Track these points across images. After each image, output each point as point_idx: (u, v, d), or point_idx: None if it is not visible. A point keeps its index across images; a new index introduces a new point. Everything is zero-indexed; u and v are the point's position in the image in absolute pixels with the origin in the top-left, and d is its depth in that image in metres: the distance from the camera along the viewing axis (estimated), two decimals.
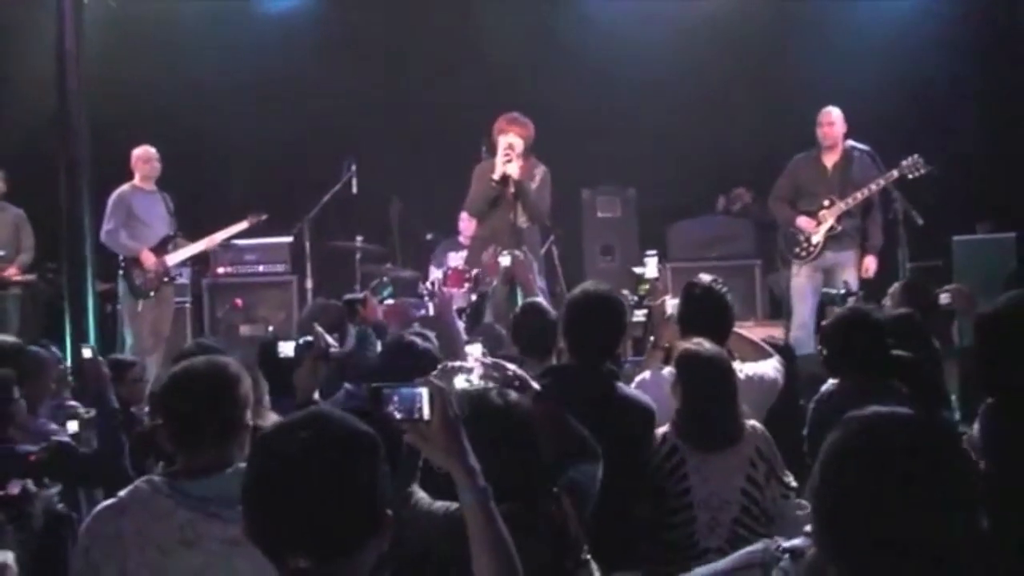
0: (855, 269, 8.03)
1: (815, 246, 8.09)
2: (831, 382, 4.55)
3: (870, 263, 8.06)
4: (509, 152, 7.45)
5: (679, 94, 10.06)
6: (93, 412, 4.86)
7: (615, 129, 10.16)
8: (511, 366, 3.53)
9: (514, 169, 7.46)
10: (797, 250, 8.18)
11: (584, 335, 4.11)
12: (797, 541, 2.13)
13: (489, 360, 3.57)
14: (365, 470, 1.92)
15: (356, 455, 1.92)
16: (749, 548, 2.24)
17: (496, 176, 7.46)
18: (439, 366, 3.64)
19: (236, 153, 10.48)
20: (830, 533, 1.86)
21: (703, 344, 4.06)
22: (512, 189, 7.50)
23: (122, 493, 2.71)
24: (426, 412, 2.12)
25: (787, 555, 2.09)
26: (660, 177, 9.81)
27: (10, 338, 5.57)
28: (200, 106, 10.41)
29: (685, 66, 10.13)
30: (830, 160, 8.18)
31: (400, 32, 10.70)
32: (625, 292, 5.60)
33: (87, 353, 4.75)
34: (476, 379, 3.46)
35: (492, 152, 7.80)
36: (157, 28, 10.46)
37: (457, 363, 3.60)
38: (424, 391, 2.13)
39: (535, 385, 3.52)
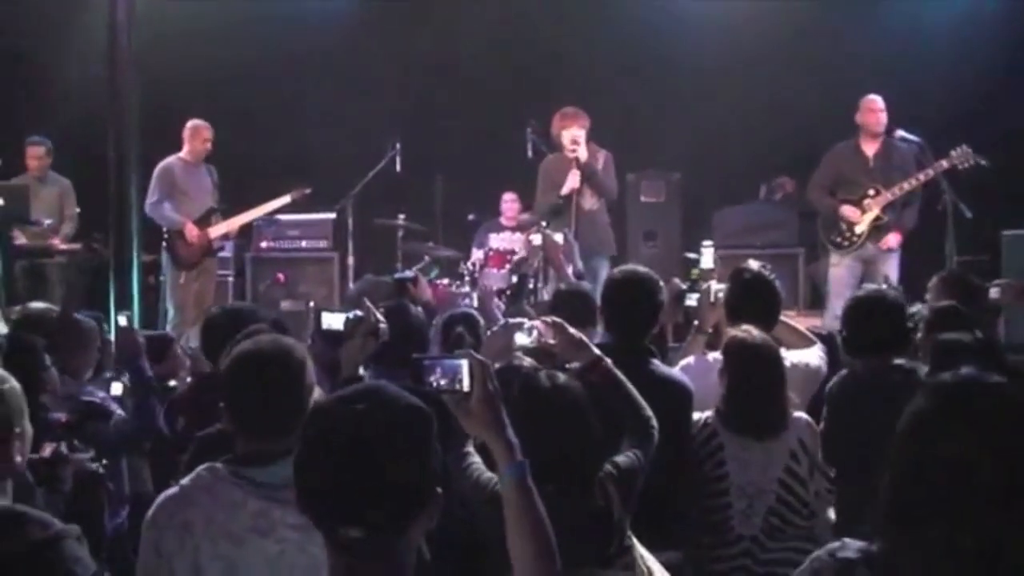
0: (896, 261, 7.96)
1: (859, 236, 7.98)
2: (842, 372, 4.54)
3: (893, 237, 7.94)
4: (576, 143, 7.82)
5: (726, 80, 9.99)
6: None
7: (661, 113, 10.12)
8: (572, 328, 3.52)
9: (583, 154, 7.84)
10: (839, 240, 8.07)
11: (621, 313, 4.21)
12: (857, 546, 1.92)
13: (551, 319, 3.57)
14: (418, 444, 1.92)
15: (410, 429, 1.92)
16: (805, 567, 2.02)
17: (581, 157, 7.83)
18: (501, 323, 3.64)
19: (282, 128, 10.52)
20: (905, 515, 1.76)
21: (751, 331, 4.04)
22: (579, 173, 7.81)
23: (184, 481, 2.65)
24: (466, 384, 2.13)
25: (859, 564, 1.89)
26: (705, 163, 9.76)
27: (46, 306, 5.63)
28: (249, 81, 10.46)
29: (733, 52, 10.05)
30: (871, 149, 8.08)
31: (449, 11, 10.68)
32: (676, 280, 5.59)
33: (123, 321, 4.78)
34: (537, 336, 3.47)
35: (553, 148, 8.15)
36: (208, 5, 10.51)
37: (518, 319, 3.60)
38: (465, 363, 2.14)
39: (594, 348, 3.51)
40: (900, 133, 7.88)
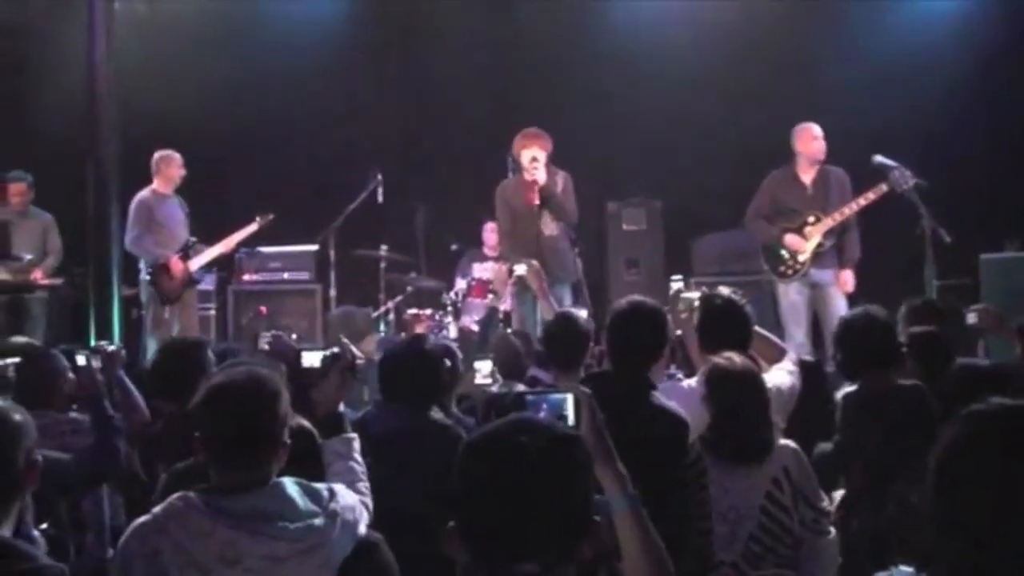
0: (838, 286, 7.95)
1: (802, 264, 7.97)
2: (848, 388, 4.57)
3: (848, 277, 7.96)
4: (535, 163, 7.63)
5: (707, 106, 10.03)
6: (115, 346, 5.14)
7: (642, 141, 10.14)
8: None
9: (541, 176, 7.66)
10: (782, 268, 8.04)
11: (627, 344, 4.12)
12: (907, 572, 1.96)
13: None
14: (585, 472, 1.91)
15: (576, 457, 1.90)
16: None
17: (539, 180, 7.62)
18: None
19: (263, 160, 10.53)
20: (955, 542, 1.78)
21: (733, 359, 4.04)
22: (537, 200, 7.66)
23: (156, 510, 2.64)
24: (570, 417, 2.13)
25: None
26: (686, 190, 9.78)
27: (27, 340, 5.61)
28: (228, 113, 10.47)
29: (713, 79, 10.10)
30: (808, 177, 8.09)
31: (428, 43, 10.73)
32: (664, 308, 5.63)
33: (81, 360, 4.73)
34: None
35: (515, 170, 7.98)
36: (187, 35, 10.52)
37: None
38: (570, 396, 2.15)
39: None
40: (879, 158, 7.85)
